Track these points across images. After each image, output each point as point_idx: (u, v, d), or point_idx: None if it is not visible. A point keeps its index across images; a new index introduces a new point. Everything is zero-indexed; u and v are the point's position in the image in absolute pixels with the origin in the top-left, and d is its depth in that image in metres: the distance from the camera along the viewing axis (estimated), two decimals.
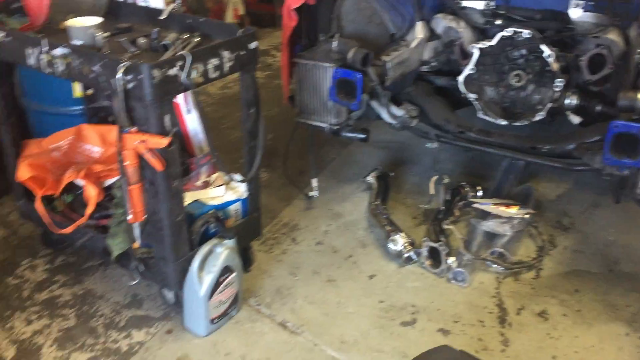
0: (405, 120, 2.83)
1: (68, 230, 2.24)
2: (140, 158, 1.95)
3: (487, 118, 2.83)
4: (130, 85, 1.86)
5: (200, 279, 2.12)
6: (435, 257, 2.55)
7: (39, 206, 2.28)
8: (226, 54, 2.06)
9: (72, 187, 2.36)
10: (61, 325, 2.25)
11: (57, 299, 2.38)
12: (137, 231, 2.12)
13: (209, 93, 4.24)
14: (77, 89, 2.63)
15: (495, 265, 2.54)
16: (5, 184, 2.82)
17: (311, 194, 3.00)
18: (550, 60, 2.62)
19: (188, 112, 2.58)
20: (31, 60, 2.10)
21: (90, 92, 2.59)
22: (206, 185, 2.40)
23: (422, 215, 2.90)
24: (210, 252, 2.16)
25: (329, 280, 2.52)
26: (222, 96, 4.22)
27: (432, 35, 2.97)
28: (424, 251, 2.56)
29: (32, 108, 2.68)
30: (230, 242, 2.20)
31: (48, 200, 2.38)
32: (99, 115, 2.62)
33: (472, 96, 2.82)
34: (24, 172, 2.30)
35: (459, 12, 2.90)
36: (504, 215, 2.68)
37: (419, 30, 2.94)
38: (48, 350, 2.14)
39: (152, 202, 2.04)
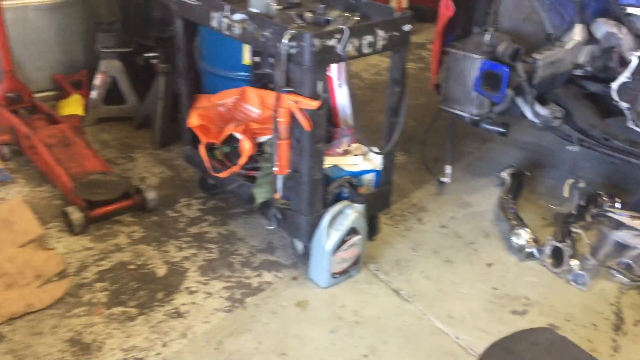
0: (549, 120, 2.83)
1: (223, 174, 2.56)
2: (292, 117, 2.19)
3: (637, 129, 2.75)
4: (292, 51, 2.10)
5: (328, 234, 2.34)
6: (557, 257, 2.55)
7: (202, 151, 2.62)
8: (380, 33, 2.24)
9: (230, 140, 2.68)
10: (205, 256, 2.58)
11: (205, 234, 2.72)
12: (280, 183, 2.38)
13: (362, 77, 4.47)
14: (246, 57, 2.96)
15: (621, 276, 2.49)
16: (175, 134, 3.25)
17: (443, 179, 3.10)
18: None
19: (339, 86, 2.79)
20: (214, 23, 2.42)
21: (256, 60, 2.90)
22: (345, 153, 2.61)
23: (551, 217, 2.90)
24: (340, 212, 2.36)
25: (447, 260, 2.62)
26: (374, 82, 4.43)
27: (590, 39, 2.93)
28: (547, 249, 2.58)
29: (206, 70, 3.04)
30: (359, 207, 2.39)
31: (209, 149, 2.72)
32: (261, 82, 2.92)
33: (624, 105, 2.76)
34: (194, 120, 2.66)
35: (622, 19, 2.83)
36: (639, 228, 2.62)
37: (577, 33, 2.91)
38: (192, 274, 2.47)
39: (297, 158, 2.28)
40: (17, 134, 3.14)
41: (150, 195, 2.81)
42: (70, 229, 2.64)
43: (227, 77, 3.06)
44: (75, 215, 2.62)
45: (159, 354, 2.08)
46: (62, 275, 2.41)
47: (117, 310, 2.26)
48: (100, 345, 2.10)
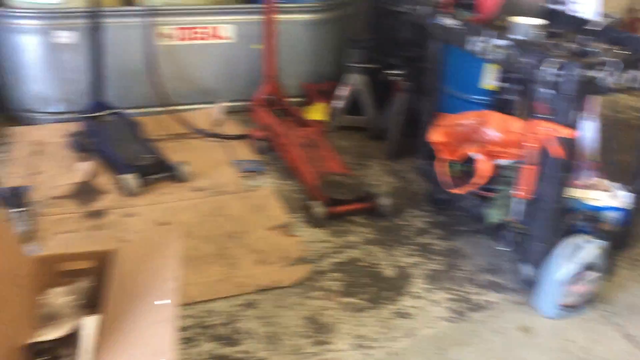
0: None
1: (460, 191, 2.66)
2: (542, 144, 2.22)
3: None
4: (553, 79, 2.13)
5: (563, 265, 2.30)
6: None
7: (440, 166, 2.74)
8: None
9: (463, 159, 2.76)
10: (430, 266, 2.69)
11: (431, 246, 2.84)
12: (519, 207, 2.41)
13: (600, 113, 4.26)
14: (486, 82, 3.03)
15: None
16: (407, 148, 3.42)
17: None
18: None
19: (589, 119, 2.73)
20: (472, 46, 2.53)
21: (502, 85, 2.95)
22: (589, 186, 2.54)
23: None
24: (578, 245, 2.32)
25: None
26: (612, 119, 4.21)
27: None
28: None
29: (445, 91, 3.17)
30: (601, 243, 2.33)
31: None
32: (500, 107, 2.97)
33: None
34: (436, 136, 2.79)
35: None
36: None
37: None
38: (417, 280, 2.60)
39: (540, 185, 2.30)
40: (272, 132, 3.55)
41: (385, 201, 3.00)
42: (312, 221, 2.93)
43: (464, 99, 3.16)
44: (319, 209, 2.90)
45: (385, 347, 2.23)
46: (302, 260, 2.69)
47: (349, 300, 2.46)
48: (333, 328, 2.31)
